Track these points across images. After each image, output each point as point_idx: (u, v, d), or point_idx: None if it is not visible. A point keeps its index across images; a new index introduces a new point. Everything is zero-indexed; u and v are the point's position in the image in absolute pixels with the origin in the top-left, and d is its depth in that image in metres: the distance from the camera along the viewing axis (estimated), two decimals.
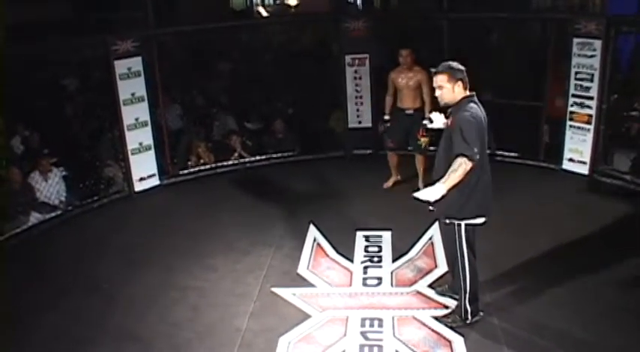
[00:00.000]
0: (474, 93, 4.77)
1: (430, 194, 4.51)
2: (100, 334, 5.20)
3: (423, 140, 7.07)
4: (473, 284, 4.98)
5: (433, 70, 4.84)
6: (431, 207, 4.96)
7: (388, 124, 7.56)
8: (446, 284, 5.52)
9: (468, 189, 4.70)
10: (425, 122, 6.51)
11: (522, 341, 4.86)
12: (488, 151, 4.89)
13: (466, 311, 5.02)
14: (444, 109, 5.00)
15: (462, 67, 4.74)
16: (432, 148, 7.55)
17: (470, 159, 4.51)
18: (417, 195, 4.59)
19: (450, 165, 4.58)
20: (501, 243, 6.23)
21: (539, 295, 5.44)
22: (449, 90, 4.72)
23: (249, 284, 5.88)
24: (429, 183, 4.72)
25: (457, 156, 4.54)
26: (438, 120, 5.10)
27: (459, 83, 4.70)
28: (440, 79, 4.75)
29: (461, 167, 4.51)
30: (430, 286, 5.62)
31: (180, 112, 9.40)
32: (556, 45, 8.07)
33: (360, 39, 8.68)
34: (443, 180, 4.56)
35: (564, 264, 5.89)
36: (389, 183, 7.72)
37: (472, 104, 4.70)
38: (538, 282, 5.62)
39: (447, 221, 4.90)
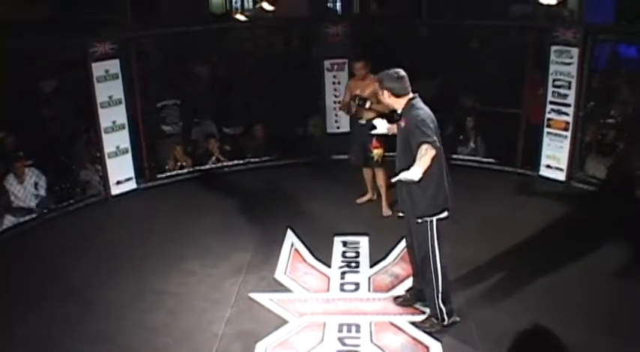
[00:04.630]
0: (416, 95, 4.89)
1: (410, 175, 4.55)
2: (76, 340, 5.14)
3: (376, 152, 7.02)
4: (444, 283, 5.03)
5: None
6: (400, 214, 5.02)
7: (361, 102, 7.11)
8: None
9: (434, 183, 4.80)
10: (361, 102, 6.56)
11: (499, 345, 4.87)
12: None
13: (441, 310, 5.05)
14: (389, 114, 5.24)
15: (393, 75, 4.86)
16: (391, 154, 7.55)
17: (432, 145, 4.58)
18: (398, 177, 4.65)
19: (411, 165, 4.61)
20: (478, 249, 6.28)
21: (515, 300, 5.48)
22: (382, 96, 4.96)
23: (227, 289, 5.86)
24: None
25: (420, 145, 4.60)
26: (381, 126, 5.45)
27: (385, 92, 4.90)
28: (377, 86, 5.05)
29: (427, 152, 4.57)
30: (407, 292, 5.61)
31: (179, 115, 9.28)
32: (534, 53, 8.13)
33: (339, 44, 8.69)
34: (415, 164, 4.58)
35: (540, 269, 5.92)
36: (363, 199, 7.63)
37: (421, 104, 4.85)
38: (514, 287, 5.66)
39: (420, 220, 4.93)
